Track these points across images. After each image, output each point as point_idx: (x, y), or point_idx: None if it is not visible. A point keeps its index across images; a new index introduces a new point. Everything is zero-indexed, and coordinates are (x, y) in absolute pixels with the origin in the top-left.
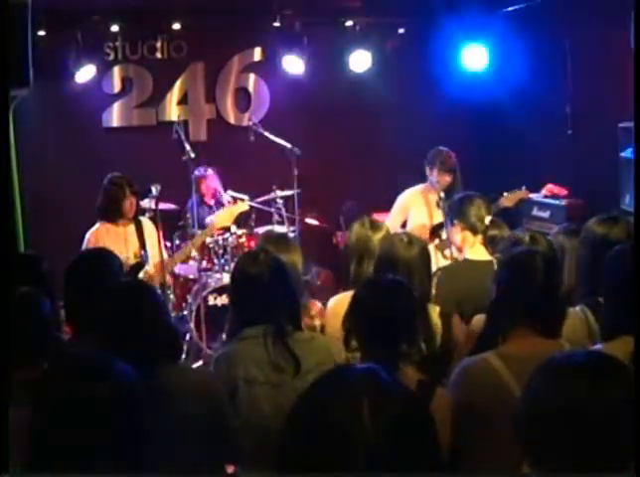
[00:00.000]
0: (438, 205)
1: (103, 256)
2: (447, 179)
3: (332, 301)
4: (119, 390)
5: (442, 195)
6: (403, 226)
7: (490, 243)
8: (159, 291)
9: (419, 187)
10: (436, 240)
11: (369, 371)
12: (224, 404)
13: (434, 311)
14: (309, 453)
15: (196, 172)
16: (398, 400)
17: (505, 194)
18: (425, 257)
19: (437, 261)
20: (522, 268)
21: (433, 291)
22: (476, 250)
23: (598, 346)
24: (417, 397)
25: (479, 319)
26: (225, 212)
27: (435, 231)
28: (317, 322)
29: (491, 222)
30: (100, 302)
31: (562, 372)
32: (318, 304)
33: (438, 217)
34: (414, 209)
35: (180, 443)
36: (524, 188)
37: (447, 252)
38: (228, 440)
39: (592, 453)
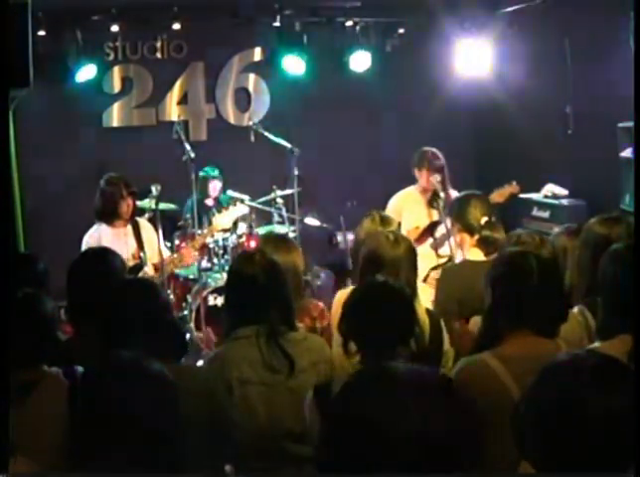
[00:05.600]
0: (431, 204)
1: (106, 256)
2: (437, 178)
3: (339, 295)
4: (160, 390)
5: (442, 195)
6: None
7: (483, 244)
8: None
9: (410, 189)
10: (430, 239)
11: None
12: (223, 404)
13: (421, 308)
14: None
15: (202, 173)
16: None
17: (495, 190)
18: (412, 256)
19: (433, 260)
20: (516, 270)
21: (432, 291)
22: (474, 251)
23: (596, 345)
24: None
25: (476, 320)
26: (225, 214)
27: (430, 229)
28: (318, 324)
29: (486, 223)
30: (105, 301)
31: (565, 373)
32: (320, 305)
33: (432, 216)
34: (407, 211)
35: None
36: (514, 182)
37: (442, 251)
38: (226, 439)
39: (593, 454)
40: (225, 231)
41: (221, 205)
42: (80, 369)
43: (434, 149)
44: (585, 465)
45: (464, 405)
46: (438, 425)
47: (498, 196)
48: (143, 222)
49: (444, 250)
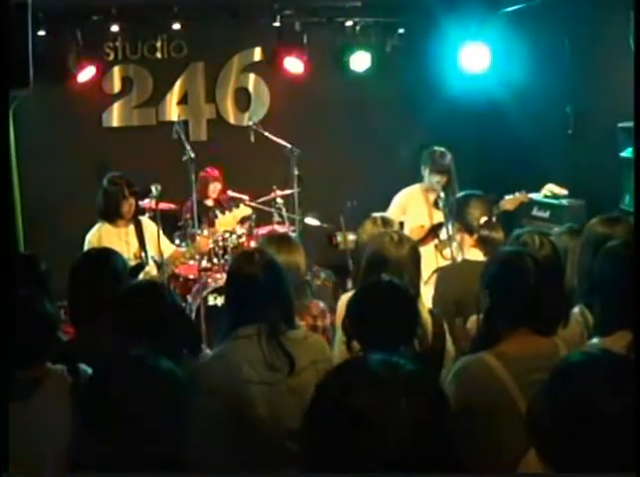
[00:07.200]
0: (436, 204)
1: (108, 256)
2: (443, 179)
3: (343, 298)
4: (168, 387)
5: (442, 195)
6: (400, 226)
7: (482, 244)
8: None
9: (416, 186)
10: (436, 240)
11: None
12: (241, 401)
13: (424, 308)
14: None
15: (202, 173)
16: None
17: (506, 197)
18: (416, 256)
19: (437, 261)
20: (513, 270)
21: (431, 290)
22: (474, 251)
23: (595, 341)
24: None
25: (474, 320)
26: (228, 216)
27: (434, 230)
28: (319, 322)
29: (485, 222)
30: (119, 301)
31: (579, 372)
32: (320, 304)
33: (437, 216)
34: (412, 209)
35: (200, 440)
36: (524, 191)
37: (447, 252)
38: (246, 436)
39: (608, 452)
40: (225, 231)
41: (222, 205)
42: (83, 367)
43: (443, 149)
44: (599, 463)
45: (439, 401)
46: (407, 419)
47: (508, 204)
48: (146, 220)
49: (448, 252)
